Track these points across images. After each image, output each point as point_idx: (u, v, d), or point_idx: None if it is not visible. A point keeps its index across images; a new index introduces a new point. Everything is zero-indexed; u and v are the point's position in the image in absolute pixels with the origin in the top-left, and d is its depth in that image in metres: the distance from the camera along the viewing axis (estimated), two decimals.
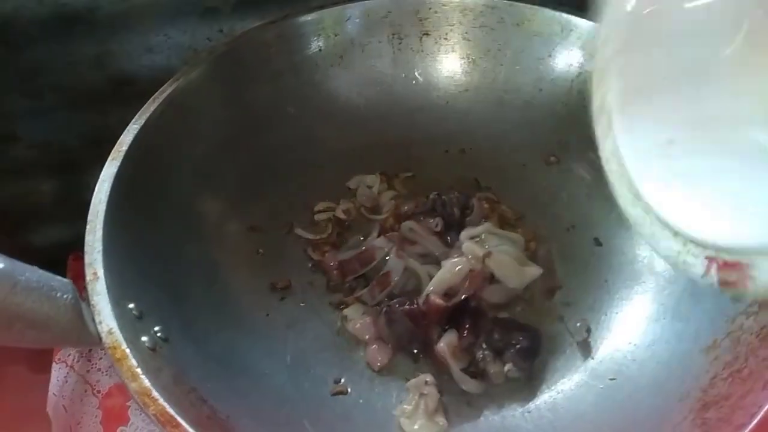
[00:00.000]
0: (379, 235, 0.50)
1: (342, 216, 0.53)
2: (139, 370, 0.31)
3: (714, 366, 0.36)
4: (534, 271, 0.45)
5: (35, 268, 0.29)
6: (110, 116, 0.62)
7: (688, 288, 0.43)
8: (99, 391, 0.58)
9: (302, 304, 0.48)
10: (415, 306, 0.43)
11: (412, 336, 0.44)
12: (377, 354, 0.44)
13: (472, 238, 0.45)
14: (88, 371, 0.59)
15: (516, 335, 0.40)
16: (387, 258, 0.48)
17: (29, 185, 0.66)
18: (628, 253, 0.48)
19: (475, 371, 0.41)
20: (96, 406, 0.57)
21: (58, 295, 0.29)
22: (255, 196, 0.51)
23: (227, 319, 0.43)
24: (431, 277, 0.45)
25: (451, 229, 0.49)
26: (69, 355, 0.60)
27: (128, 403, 0.57)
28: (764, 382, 0.32)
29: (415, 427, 0.39)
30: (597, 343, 0.44)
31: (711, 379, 0.35)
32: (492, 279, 0.43)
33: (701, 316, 0.40)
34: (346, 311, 0.47)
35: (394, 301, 0.45)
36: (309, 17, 0.53)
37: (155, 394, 0.30)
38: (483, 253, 0.43)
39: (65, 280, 0.31)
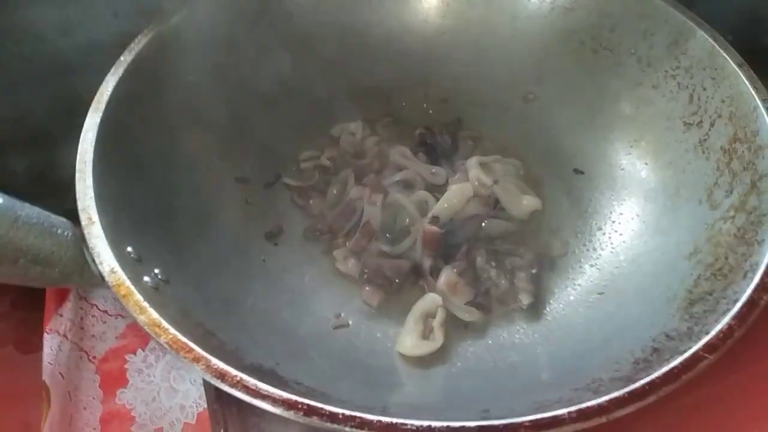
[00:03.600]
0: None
1: (327, 163, 0.54)
2: (146, 304, 0.31)
3: (697, 269, 0.38)
4: (534, 201, 0.46)
5: (30, 205, 0.29)
6: (80, 87, 0.61)
7: (667, 204, 0.45)
8: (95, 357, 0.58)
9: (296, 249, 0.48)
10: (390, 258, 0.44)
11: (402, 279, 0.45)
12: (372, 294, 0.45)
13: (481, 164, 0.46)
14: (81, 339, 0.59)
15: (525, 255, 0.42)
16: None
17: (0, 164, 0.64)
18: (608, 179, 0.49)
19: (481, 302, 0.42)
20: (93, 371, 0.57)
21: (59, 231, 0.29)
22: (239, 147, 0.51)
23: (224, 264, 0.43)
24: (418, 207, 0.46)
25: (437, 161, 0.50)
26: (61, 324, 0.59)
27: (126, 366, 0.57)
28: (744, 273, 0.34)
29: (408, 345, 0.41)
30: (584, 263, 0.46)
31: (695, 280, 0.37)
32: (494, 207, 0.45)
33: (680, 228, 0.42)
34: (335, 253, 0.48)
35: (371, 261, 0.45)
36: None
37: (165, 324, 0.30)
38: (492, 180, 0.44)
39: (64, 219, 0.31)
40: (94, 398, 0.55)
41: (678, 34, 0.47)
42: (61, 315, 0.60)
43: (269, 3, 0.52)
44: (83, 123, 0.63)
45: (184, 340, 0.30)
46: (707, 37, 0.45)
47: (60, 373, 0.56)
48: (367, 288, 0.45)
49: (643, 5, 0.49)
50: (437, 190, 0.49)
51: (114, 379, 0.56)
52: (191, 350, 0.30)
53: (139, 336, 0.59)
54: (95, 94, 0.61)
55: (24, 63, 0.58)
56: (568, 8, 0.54)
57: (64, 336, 0.59)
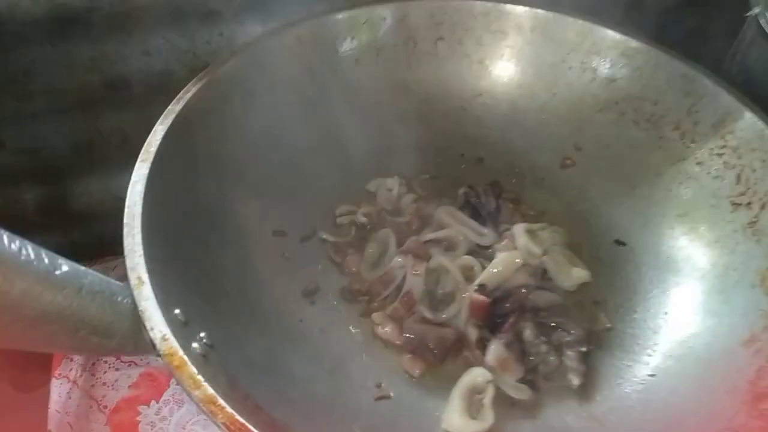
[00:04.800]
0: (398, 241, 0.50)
1: (363, 220, 0.53)
2: (200, 377, 0.29)
3: (757, 358, 0.37)
4: (583, 273, 0.45)
5: (92, 271, 0.27)
6: (102, 121, 0.60)
7: (715, 285, 0.44)
8: (105, 407, 0.55)
9: (333, 309, 0.47)
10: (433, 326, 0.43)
11: (445, 350, 0.43)
12: (413, 363, 0.44)
13: (528, 232, 0.45)
14: (92, 386, 0.56)
15: (574, 331, 0.41)
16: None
17: (12, 194, 0.63)
18: (652, 253, 0.49)
19: (531, 379, 0.41)
20: (104, 423, 0.54)
21: (119, 299, 0.27)
22: (278, 200, 0.50)
23: (262, 325, 0.42)
24: (463, 273, 0.45)
25: (482, 223, 0.49)
26: (71, 369, 0.57)
27: (138, 418, 0.54)
28: None
29: (456, 424, 0.39)
30: (630, 342, 0.45)
31: (756, 371, 0.36)
32: (541, 277, 0.44)
33: (732, 312, 0.41)
34: (373, 316, 0.47)
35: (413, 328, 0.44)
36: (331, 18, 0.53)
37: (221, 401, 0.28)
38: (542, 250, 0.43)
39: (122, 284, 0.29)
40: None
41: (725, 113, 0.47)
42: (71, 359, 0.57)
43: (309, 61, 0.52)
44: (98, 158, 0.62)
45: (242, 421, 0.28)
46: (757, 118, 0.45)
47: (68, 423, 0.53)
48: (409, 356, 0.43)
49: (690, 82, 0.49)
50: (480, 254, 0.48)
51: None
52: None
53: (152, 387, 0.56)
54: (114, 130, 0.60)
55: (52, 95, 0.57)
56: (610, 79, 0.54)
57: (74, 382, 0.56)
